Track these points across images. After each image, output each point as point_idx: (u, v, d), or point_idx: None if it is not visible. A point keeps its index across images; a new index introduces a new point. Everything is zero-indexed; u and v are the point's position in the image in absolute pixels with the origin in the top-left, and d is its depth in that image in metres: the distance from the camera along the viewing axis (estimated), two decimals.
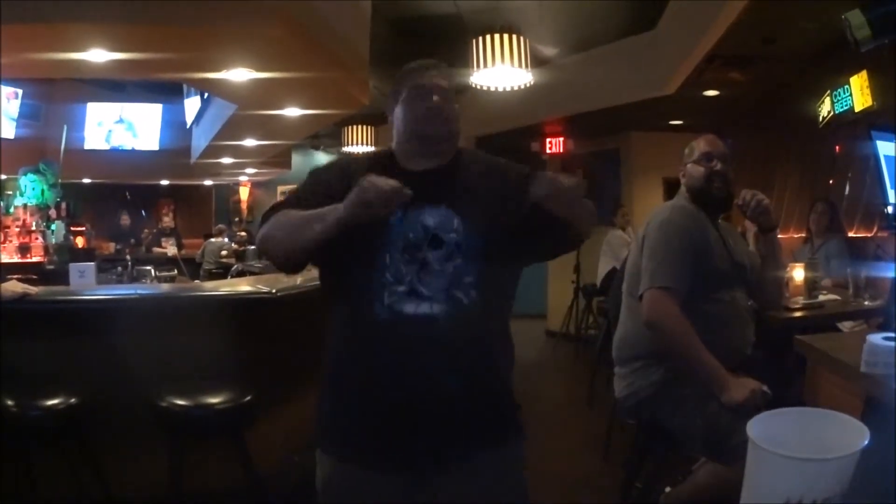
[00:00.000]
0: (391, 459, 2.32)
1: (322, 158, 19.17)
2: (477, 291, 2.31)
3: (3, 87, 13.93)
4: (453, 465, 2.34)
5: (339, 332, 2.41)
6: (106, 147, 16.53)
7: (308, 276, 5.57)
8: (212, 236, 14.81)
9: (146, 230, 17.19)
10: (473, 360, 2.33)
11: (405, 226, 2.32)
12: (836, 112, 7.77)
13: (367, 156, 2.66)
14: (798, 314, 4.66)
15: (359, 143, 13.48)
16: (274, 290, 4.55)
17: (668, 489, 3.78)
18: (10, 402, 3.60)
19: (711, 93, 8.98)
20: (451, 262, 2.31)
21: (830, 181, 9.53)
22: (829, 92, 7.94)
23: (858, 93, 7.31)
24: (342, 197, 2.22)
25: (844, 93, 7.56)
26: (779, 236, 3.79)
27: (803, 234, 7.95)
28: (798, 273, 4.85)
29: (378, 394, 2.30)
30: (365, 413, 2.34)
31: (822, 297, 5.01)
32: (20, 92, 14.40)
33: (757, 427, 1.97)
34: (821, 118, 8.32)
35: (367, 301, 2.29)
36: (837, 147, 9.43)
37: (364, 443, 2.35)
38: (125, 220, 16.58)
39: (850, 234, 8.09)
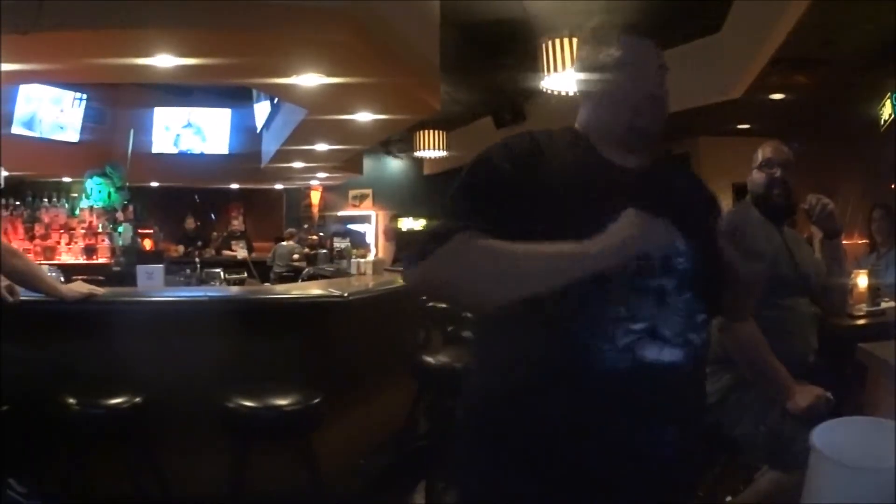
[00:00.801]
0: None
1: (394, 163, 19.21)
2: (706, 333, 1.88)
3: (65, 91, 14.12)
4: None
5: (535, 376, 1.80)
6: (174, 151, 16.57)
7: (380, 280, 5.62)
8: (283, 240, 14.83)
9: (215, 233, 17.27)
10: (694, 418, 1.91)
11: None
12: None
13: (550, 137, 2.00)
14: (860, 322, 4.62)
15: (431, 149, 13.54)
16: (346, 294, 4.51)
17: (728, 498, 3.78)
18: (71, 401, 3.61)
19: (778, 96, 8.93)
20: (682, 294, 1.83)
21: (893, 186, 9.42)
22: (889, 94, 7.86)
23: None
24: (524, 189, 1.80)
25: None
26: (843, 242, 3.78)
27: (867, 241, 7.84)
28: (861, 280, 4.80)
29: (592, 461, 1.78)
30: (572, 486, 1.79)
31: (883, 305, 4.97)
32: (84, 97, 14.50)
33: (819, 435, 1.99)
34: (882, 121, 8.24)
35: (593, 341, 1.74)
36: None
37: None
38: (190, 223, 16.64)
39: None
